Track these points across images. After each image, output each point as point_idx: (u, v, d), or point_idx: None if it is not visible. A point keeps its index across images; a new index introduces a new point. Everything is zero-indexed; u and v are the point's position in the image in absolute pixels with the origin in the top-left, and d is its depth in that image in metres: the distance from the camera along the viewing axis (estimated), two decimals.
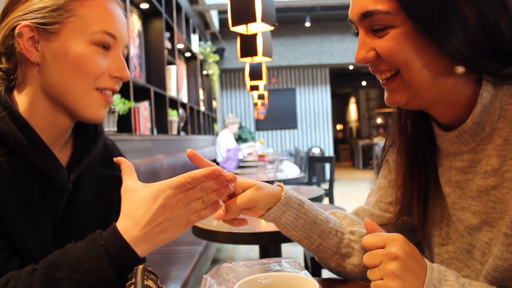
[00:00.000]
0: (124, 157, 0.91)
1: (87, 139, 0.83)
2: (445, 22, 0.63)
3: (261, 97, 6.78)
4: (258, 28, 2.61)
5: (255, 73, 4.70)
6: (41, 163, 0.71)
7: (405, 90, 0.69)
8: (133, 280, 0.67)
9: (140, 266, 0.70)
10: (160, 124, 4.15)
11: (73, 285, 0.59)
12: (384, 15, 0.65)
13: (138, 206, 0.66)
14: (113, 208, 0.86)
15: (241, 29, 2.56)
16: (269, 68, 9.15)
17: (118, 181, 0.80)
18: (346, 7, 8.20)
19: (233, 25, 2.41)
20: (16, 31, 0.71)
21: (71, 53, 0.72)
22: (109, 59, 0.76)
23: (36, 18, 0.71)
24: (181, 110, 5.02)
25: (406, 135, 0.82)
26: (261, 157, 4.08)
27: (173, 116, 4.54)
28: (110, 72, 0.76)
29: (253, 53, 3.05)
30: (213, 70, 7.71)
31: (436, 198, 0.81)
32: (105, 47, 0.75)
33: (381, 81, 0.72)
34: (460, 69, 0.65)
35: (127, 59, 3.07)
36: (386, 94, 0.73)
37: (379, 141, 10.69)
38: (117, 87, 0.79)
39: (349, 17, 0.73)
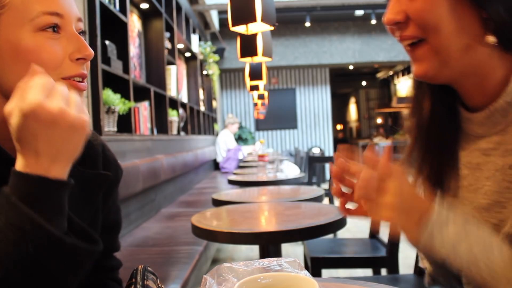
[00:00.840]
0: (112, 154, 0.85)
1: None
2: None
3: (261, 97, 6.78)
4: (258, 28, 2.60)
5: (255, 73, 4.70)
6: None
7: (433, 59, 0.66)
8: (133, 280, 0.67)
9: (140, 266, 0.70)
10: (160, 124, 4.15)
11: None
12: None
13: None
14: (99, 208, 0.79)
15: (241, 29, 2.56)
16: (269, 68, 9.15)
17: (102, 180, 0.76)
18: (346, 7, 8.20)
19: (233, 25, 2.41)
20: None
21: (18, 49, 0.63)
22: (63, 41, 0.67)
23: None
24: (181, 110, 5.02)
25: (423, 121, 0.77)
26: (261, 157, 4.09)
27: (173, 116, 4.54)
28: (70, 55, 0.67)
29: (253, 53, 3.05)
30: (213, 70, 7.71)
31: (450, 181, 0.77)
32: (54, 29, 0.66)
33: (406, 47, 0.68)
34: (491, 39, 0.63)
35: (126, 58, 3.08)
36: (413, 66, 0.69)
37: (379, 141, 10.69)
38: (85, 71, 0.70)
39: None
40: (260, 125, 9.99)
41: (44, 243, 0.54)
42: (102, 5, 2.60)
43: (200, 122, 6.50)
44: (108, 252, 0.86)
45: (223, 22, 8.53)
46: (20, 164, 0.56)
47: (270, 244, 1.62)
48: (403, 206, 0.64)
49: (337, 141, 14.01)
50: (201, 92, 7.01)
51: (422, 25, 0.65)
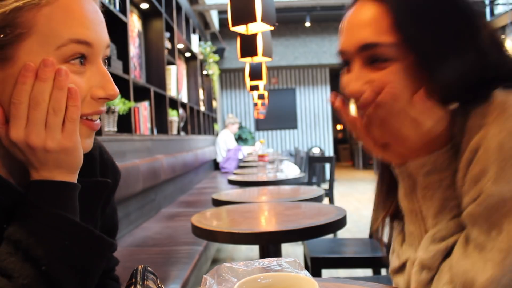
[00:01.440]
0: (110, 157, 0.82)
1: None
2: (443, 58, 0.63)
3: (261, 97, 6.78)
4: (258, 28, 2.61)
5: (255, 73, 4.70)
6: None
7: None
8: (133, 280, 0.67)
9: (140, 266, 0.70)
10: (160, 124, 4.15)
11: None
12: (387, 48, 0.65)
13: None
14: (98, 218, 0.76)
15: (241, 29, 2.56)
16: (269, 68, 9.15)
17: (101, 188, 0.73)
18: (346, 7, 8.19)
19: (233, 25, 2.41)
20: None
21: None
22: (88, 74, 0.60)
23: None
24: (181, 110, 5.03)
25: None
26: (261, 157, 4.09)
27: (173, 116, 4.54)
28: (93, 92, 0.60)
29: (253, 53, 3.05)
30: (213, 70, 7.72)
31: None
32: (81, 61, 0.59)
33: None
34: (454, 105, 0.67)
35: (126, 58, 3.08)
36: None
37: None
38: (104, 108, 0.64)
39: (341, 48, 0.71)
40: (260, 125, 9.99)
41: (79, 236, 0.59)
42: (102, 5, 2.60)
43: (200, 122, 6.50)
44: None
45: (223, 22, 8.54)
46: (36, 176, 0.60)
47: (270, 244, 1.62)
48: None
49: (337, 141, 14.02)
50: (201, 92, 7.01)
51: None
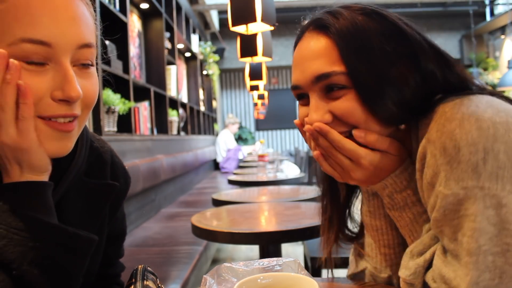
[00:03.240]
0: (120, 162, 0.82)
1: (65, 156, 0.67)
2: (382, 91, 0.65)
3: (261, 97, 6.78)
4: (258, 28, 2.60)
5: (255, 73, 4.70)
6: None
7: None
8: (133, 280, 0.66)
9: (140, 266, 0.70)
10: (160, 124, 4.15)
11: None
12: (341, 76, 0.66)
13: None
14: (105, 221, 0.76)
15: (241, 29, 2.55)
16: (269, 68, 9.15)
17: (109, 190, 0.73)
18: None
19: (233, 25, 2.41)
20: None
21: None
22: (50, 74, 0.56)
23: None
24: (181, 110, 5.03)
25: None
26: (261, 157, 4.09)
27: (173, 116, 4.54)
28: (52, 93, 0.57)
29: (253, 53, 3.05)
30: (213, 70, 7.71)
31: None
32: (34, 62, 0.55)
33: None
34: (402, 126, 0.70)
35: (126, 58, 3.08)
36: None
37: None
38: (74, 111, 0.59)
39: (295, 83, 0.72)
40: (260, 125, 9.99)
41: (50, 236, 0.58)
42: (102, 5, 2.60)
43: (200, 122, 6.50)
44: (113, 260, 0.86)
45: (223, 22, 8.54)
46: (6, 178, 0.59)
47: (270, 244, 1.62)
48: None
49: None
50: (201, 92, 7.01)
51: (353, 121, 0.68)
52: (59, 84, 0.56)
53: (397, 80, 0.66)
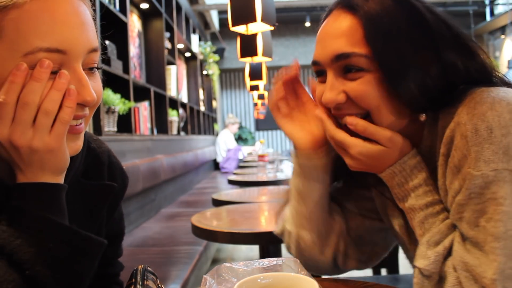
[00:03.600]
0: (118, 162, 0.82)
1: None
2: (406, 73, 0.65)
3: (261, 97, 6.78)
4: (258, 28, 2.60)
5: (255, 73, 4.70)
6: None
7: None
8: (133, 280, 0.66)
9: (140, 266, 0.70)
10: (160, 124, 4.15)
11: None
12: (361, 59, 0.67)
13: None
14: (103, 222, 0.76)
15: (241, 29, 2.55)
16: (269, 68, 9.15)
17: (107, 192, 0.73)
18: None
19: (233, 25, 2.41)
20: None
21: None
22: None
23: None
24: (181, 110, 5.03)
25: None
26: (261, 157, 4.08)
27: (173, 116, 4.54)
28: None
29: (253, 53, 3.05)
30: (213, 70, 7.72)
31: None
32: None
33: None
34: (423, 116, 0.70)
35: (126, 58, 3.08)
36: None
37: None
38: (84, 112, 0.61)
39: (315, 58, 0.73)
40: (260, 125, 9.99)
41: (64, 238, 0.58)
42: (102, 5, 2.60)
43: (200, 122, 6.50)
44: (112, 260, 0.85)
45: (223, 22, 8.54)
46: (21, 178, 0.59)
47: (270, 244, 1.62)
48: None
49: None
50: (201, 92, 7.01)
51: (364, 105, 0.68)
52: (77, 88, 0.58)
53: (421, 66, 0.66)
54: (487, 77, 0.68)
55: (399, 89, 0.65)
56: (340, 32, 0.69)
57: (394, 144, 0.69)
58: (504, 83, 0.68)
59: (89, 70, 0.61)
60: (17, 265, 0.55)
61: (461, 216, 0.61)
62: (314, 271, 0.86)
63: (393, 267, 1.89)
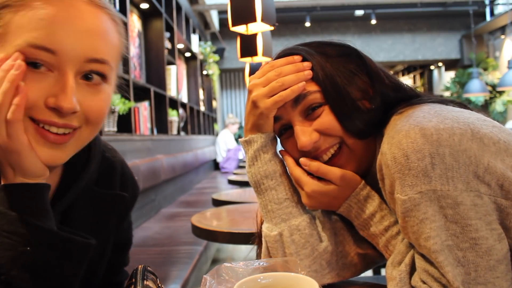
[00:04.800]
0: (130, 172, 0.82)
1: (78, 161, 0.67)
2: (349, 111, 0.73)
3: None
4: (258, 28, 2.61)
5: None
6: None
7: (352, 160, 0.74)
8: (133, 280, 0.66)
9: (140, 266, 0.70)
10: (160, 124, 4.15)
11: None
12: (316, 94, 0.72)
13: None
14: (112, 231, 0.77)
15: (241, 29, 2.56)
16: None
17: (118, 201, 0.74)
18: (346, 7, 8.19)
19: (233, 25, 2.41)
20: None
21: None
22: (48, 81, 0.56)
23: None
24: (181, 110, 5.02)
25: None
26: None
27: (173, 116, 4.54)
28: (46, 99, 0.56)
29: (253, 53, 3.05)
30: (213, 70, 7.71)
31: None
32: (36, 64, 0.55)
33: (326, 162, 0.75)
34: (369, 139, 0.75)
35: (126, 58, 3.08)
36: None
37: None
38: (71, 122, 0.58)
39: (276, 114, 0.75)
40: None
41: (42, 240, 0.56)
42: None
43: (200, 122, 6.50)
44: (118, 268, 0.86)
45: (223, 22, 8.53)
46: (3, 180, 0.58)
47: None
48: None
49: None
50: (201, 92, 7.01)
51: (335, 133, 0.73)
52: (56, 92, 0.56)
53: (358, 98, 0.73)
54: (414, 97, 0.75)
55: (346, 126, 0.72)
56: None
57: (345, 181, 0.74)
58: (430, 97, 0.74)
59: (85, 79, 0.59)
60: None
61: (408, 237, 0.64)
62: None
63: None
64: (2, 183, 0.58)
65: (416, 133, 0.61)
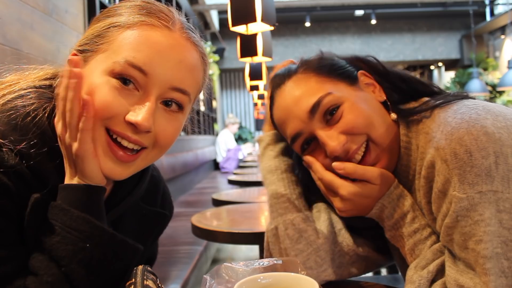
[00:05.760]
0: (169, 192, 0.88)
1: (131, 177, 0.69)
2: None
3: (261, 97, 6.78)
4: (258, 28, 2.61)
5: (255, 73, 4.71)
6: None
7: (382, 155, 0.73)
8: (133, 280, 0.66)
9: (140, 266, 0.70)
10: None
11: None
12: (329, 97, 0.72)
13: None
14: (148, 245, 0.82)
15: (241, 29, 2.56)
16: (269, 68, 9.15)
17: (160, 219, 0.80)
18: (346, 7, 8.20)
19: (233, 25, 2.41)
20: (69, 56, 0.62)
21: (86, 84, 0.61)
22: (133, 98, 0.62)
23: (82, 44, 0.65)
24: None
25: None
26: None
27: None
28: (127, 115, 0.61)
29: (253, 53, 3.05)
30: (213, 70, 7.72)
31: None
32: (126, 81, 0.61)
33: (358, 163, 0.73)
34: (393, 115, 0.75)
35: None
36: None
37: None
38: (141, 140, 0.63)
39: (293, 132, 0.75)
40: (260, 125, 9.98)
41: (100, 239, 0.60)
42: (102, 5, 2.60)
43: (200, 122, 6.50)
44: None
45: (223, 22, 8.54)
46: (66, 180, 0.62)
47: None
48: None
49: None
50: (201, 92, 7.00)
51: (361, 129, 0.72)
52: (137, 109, 0.61)
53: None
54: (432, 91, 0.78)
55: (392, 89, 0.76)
56: (297, 96, 0.75)
57: (383, 179, 0.72)
58: (457, 95, 0.72)
59: (165, 105, 0.64)
60: (55, 261, 0.57)
61: (451, 238, 0.62)
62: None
63: (393, 267, 1.89)
64: (66, 182, 0.62)
65: (478, 131, 0.59)
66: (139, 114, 0.60)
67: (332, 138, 0.71)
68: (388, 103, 0.76)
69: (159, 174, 0.85)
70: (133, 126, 0.61)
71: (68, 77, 0.59)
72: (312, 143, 0.75)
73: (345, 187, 0.72)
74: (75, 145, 0.60)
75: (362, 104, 0.73)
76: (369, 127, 0.71)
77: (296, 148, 0.77)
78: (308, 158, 0.76)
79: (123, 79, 0.61)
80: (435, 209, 0.66)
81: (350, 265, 0.80)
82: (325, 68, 0.76)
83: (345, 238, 0.80)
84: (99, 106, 0.60)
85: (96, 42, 0.62)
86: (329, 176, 0.73)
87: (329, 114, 0.72)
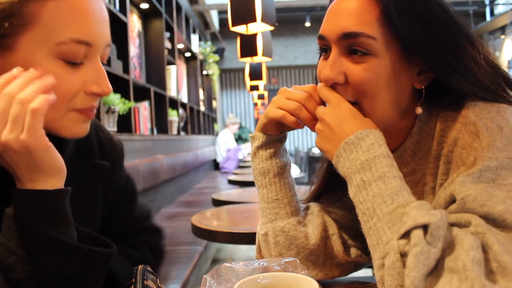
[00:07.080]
0: (107, 136, 0.79)
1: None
2: (440, 55, 0.64)
3: (261, 97, 6.79)
4: (258, 28, 2.61)
5: (255, 73, 4.71)
6: None
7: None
8: (133, 280, 0.66)
9: (140, 266, 0.70)
10: (160, 124, 4.15)
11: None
12: (369, 40, 0.63)
13: None
14: (98, 200, 0.74)
15: (241, 29, 2.56)
16: (269, 68, 9.15)
17: (99, 171, 0.72)
18: None
19: (233, 25, 2.41)
20: None
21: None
22: (84, 71, 0.59)
23: None
24: (181, 110, 5.03)
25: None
26: None
27: (173, 116, 4.54)
28: (86, 87, 0.59)
29: (253, 53, 3.05)
30: (213, 70, 7.72)
31: None
32: (75, 62, 0.58)
33: None
34: (419, 110, 0.68)
35: (126, 58, 3.08)
36: None
37: None
38: (96, 104, 0.63)
39: (322, 32, 0.69)
40: None
41: (62, 253, 0.55)
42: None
43: (200, 122, 6.50)
44: (139, 223, 0.84)
45: (223, 22, 8.54)
46: (18, 184, 0.56)
47: None
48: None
49: None
50: (201, 92, 7.01)
51: (360, 92, 0.66)
52: (92, 79, 0.60)
53: (452, 52, 0.64)
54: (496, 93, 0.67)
55: (431, 67, 0.65)
56: (351, 10, 0.65)
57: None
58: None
59: (102, 64, 0.63)
60: (13, 283, 0.52)
61: (463, 195, 0.57)
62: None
63: None
64: (18, 186, 0.56)
65: (509, 114, 0.62)
66: (102, 84, 0.60)
67: (333, 69, 0.66)
68: (423, 93, 0.68)
69: (94, 123, 0.76)
70: (96, 95, 0.61)
71: (43, 91, 0.53)
72: (328, 53, 0.69)
73: (324, 108, 0.68)
74: (23, 139, 0.52)
75: (391, 81, 0.65)
76: (366, 101, 0.66)
77: (319, 45, 0.72)
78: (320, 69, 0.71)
79: (73, 58, 0.58)
80: (454, 167, 0.63)
81: (336, 267, 0.79)
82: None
83: (336, 244, 0.78)
84: (62, 92, 0.56)
85: (14, 24, 0.54)
86: (325, 91, 0.68)
87: (355, 52, 0.65)
